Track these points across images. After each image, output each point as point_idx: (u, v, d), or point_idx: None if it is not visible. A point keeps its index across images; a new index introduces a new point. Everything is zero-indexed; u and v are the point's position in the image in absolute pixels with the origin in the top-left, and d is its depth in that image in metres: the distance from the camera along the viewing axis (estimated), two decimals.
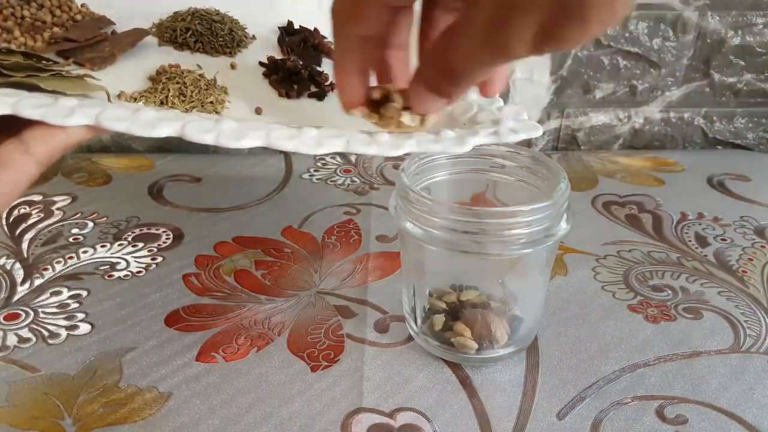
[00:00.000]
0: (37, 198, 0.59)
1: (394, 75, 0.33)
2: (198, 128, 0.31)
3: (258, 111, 0.38)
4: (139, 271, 0.49)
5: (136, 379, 0.39)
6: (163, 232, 0.54)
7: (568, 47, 0.27)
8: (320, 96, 0.41)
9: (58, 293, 0.47)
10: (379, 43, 0.31)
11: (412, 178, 0.39)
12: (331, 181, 0.64)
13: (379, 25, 0.30)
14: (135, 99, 0.36)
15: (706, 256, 0.52)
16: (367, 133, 0.32)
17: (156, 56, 0.41)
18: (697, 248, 0.53)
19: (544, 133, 0.73)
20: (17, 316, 0.44)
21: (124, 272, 0.49)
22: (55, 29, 0.41)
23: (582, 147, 0.74)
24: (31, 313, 0.45)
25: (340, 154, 0.70)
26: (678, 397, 0.39)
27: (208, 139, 0.30)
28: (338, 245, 0.53)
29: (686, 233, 0.55)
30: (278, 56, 0.43)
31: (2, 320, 0.44)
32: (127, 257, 0.51)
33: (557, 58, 0.68)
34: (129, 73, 0.39)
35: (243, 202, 0.59)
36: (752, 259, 0.52)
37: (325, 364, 0.41)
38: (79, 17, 0.42)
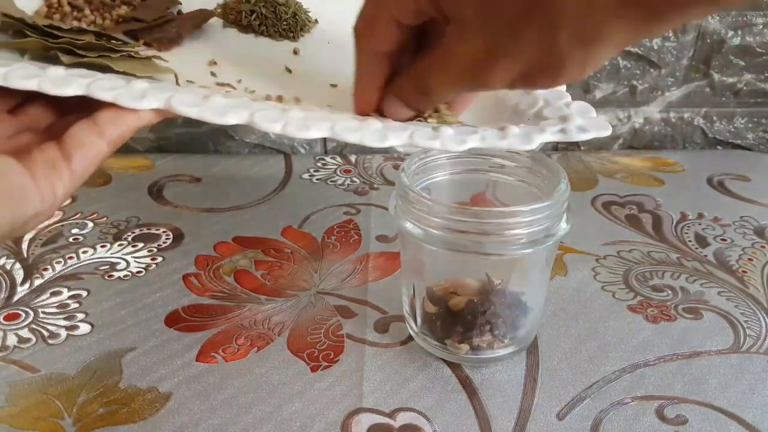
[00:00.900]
0: None
1: None
2: (266, 117, 0.31)
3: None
4: (139, 271, 0.49)
5: (136, 379, 0.39)
6: (163, 232, 0.54)
7: (539, 89, 0.34)
8: None
9: (58, 293, 0.47)
10: (391, 59, 0.34)
11: (412, 178, 0.39)
12: (331, 181, 0.64)
13: (391, 43, 0.32)
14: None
15: (706, 256, 0.52)
16: (432, 127, 0.32)
17: (220, 38, 0.41)
18: (697, 248, 0.53)
19: None
20: (17, 316, 0.44)
21: (124, 272, 0.49)
22: (124, 7, 0.41)
23: (582, 147, 0.74)
24: (31, 313, 0.45)
25: (340, 153, 0.70)
26: (678, 397, 0.39)
27: (276, 128, 0.30)
28: (338, 245, 0.53)
29: (686, 233, 0.55)
30: None
31: (2, 320, 0.44)
32: (127, 257, 0.51)
33: None
34: (193, 54, 0.39)
35: (243, 202, 0.59)
36: (752, 259, 0.52)
37: (325, 364, 0.41)
38: None
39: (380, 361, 0.41)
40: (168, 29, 0.39)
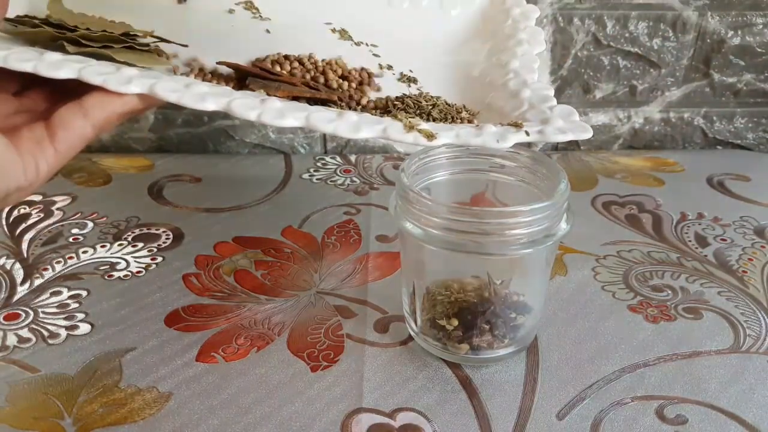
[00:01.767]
0: (37, 198, 0.59)
1: None
2: (243, 105, 0.32)
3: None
4: (139, 271, 0.49)
5: (136, 379, 0.39)
6: (163, 232, 0.54)
7: None
8: None
9: (58, 293, 0.47)
10: None
11: (412, 178, 0.39)
12: (331, 181, 0.64)
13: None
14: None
15: (706, 256, 0.52)
16: (405, 122, 0.33)
17: None
18: (697, 248, 0.53)
19: None
20: (17, 316, 0.44)
21: (124, 272, 0.49)
22: None
23: (582, 147, 0.74)
24: (31, 313, 0.45)
25: (340, 153, 0.70)
26: (678, 398, 0.39)
27: (252, 116, 0.32)
28: (338, 245, 0.53)
29: (686, 233, 0.55)
30: None
31: (2, 320, 0.44)
32: (127, 257, 0.51)
33: (557, 57, 0.68)
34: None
35: (243, 202, 0.59)
36: (752, 259, 0.52)
37: (325, 364, 0.41)
38: None
39: (380, 361, 0.41)
40: None
